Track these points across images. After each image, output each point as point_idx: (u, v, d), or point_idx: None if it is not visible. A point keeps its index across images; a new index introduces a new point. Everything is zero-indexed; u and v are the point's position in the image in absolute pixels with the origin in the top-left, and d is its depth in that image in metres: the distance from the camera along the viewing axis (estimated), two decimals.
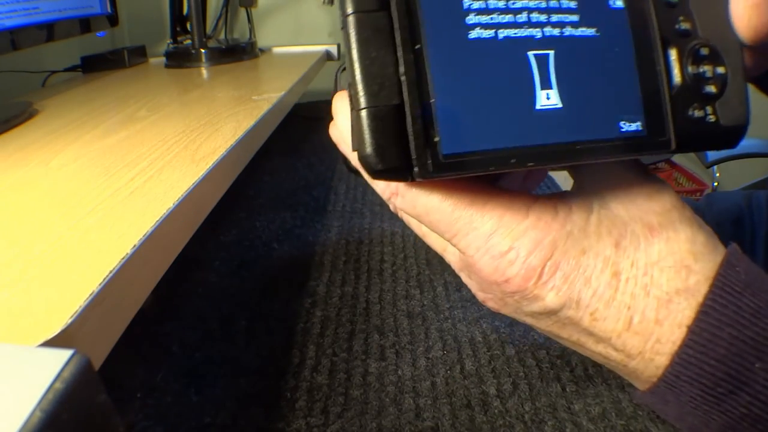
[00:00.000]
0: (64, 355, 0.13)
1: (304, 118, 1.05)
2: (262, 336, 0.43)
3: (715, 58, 0.19)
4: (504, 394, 0.37)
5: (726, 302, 0.19)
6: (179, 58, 0.89)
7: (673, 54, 0.19)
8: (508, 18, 0.18)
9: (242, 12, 1.22)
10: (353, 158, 0.20)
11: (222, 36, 1.20)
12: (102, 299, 0.22)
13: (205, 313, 0.46)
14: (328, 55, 1.05)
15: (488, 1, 0.18)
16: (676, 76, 0.19)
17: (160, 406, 0.36)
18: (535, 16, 0.18)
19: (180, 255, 0.31)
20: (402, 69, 0.17)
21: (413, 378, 0.39)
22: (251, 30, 1.16)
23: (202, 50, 0.88)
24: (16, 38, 0.57)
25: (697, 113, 0.19)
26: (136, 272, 0.25)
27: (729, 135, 0.20)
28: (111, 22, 0.79)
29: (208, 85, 0.71)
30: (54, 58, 0.94)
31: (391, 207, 0.24)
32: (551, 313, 0.21)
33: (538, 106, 0.18)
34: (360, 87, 0.17)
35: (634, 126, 0.19)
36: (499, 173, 0.20)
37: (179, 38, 1.01)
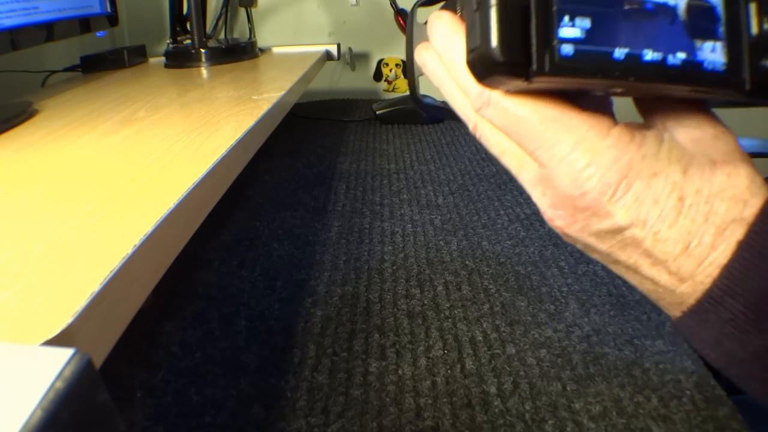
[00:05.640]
0: (65, 354, 0.13)
1: (304, 118, 1.06)
2: (262, 336, 0.43)
3: None
4: (504, 394, 0.37)
5: None
6: (179, 58, 0.89)
7: (753, 8, 0.21)
8: None
9: (242, 12, 1.22)
10: (458, 66, 0.23)
11: (222, 36, 1.20)
12: (102, 299, 0.22)
13: (205, 313, 0.46)
14: (328, 55, 1.05)
15: None
16: (754, 27, 0.21)
17: (160, 406, 0.37)
18: None
19: (180, 255, 0.31)
20: None
21: (414, 377, 0.39)
22: (251, 30, 1.16)
23: (202, 50, 0.88)
24: (15, 38, 0.57)
25: None
26: (136, 272, 0.25)
27: None
28: (111, 22, 0.79)
29: (208, 85, 0.71)
30: (54, 58, 0.94)
31: (471, 126, 0.25)
32: (618, 231, 0.22)
33: (645, 29, 0.20)
34: None
35: (719, 64, 0.21)
36: (597, 86, 0.21)
37: (179, 38, 1.01)
